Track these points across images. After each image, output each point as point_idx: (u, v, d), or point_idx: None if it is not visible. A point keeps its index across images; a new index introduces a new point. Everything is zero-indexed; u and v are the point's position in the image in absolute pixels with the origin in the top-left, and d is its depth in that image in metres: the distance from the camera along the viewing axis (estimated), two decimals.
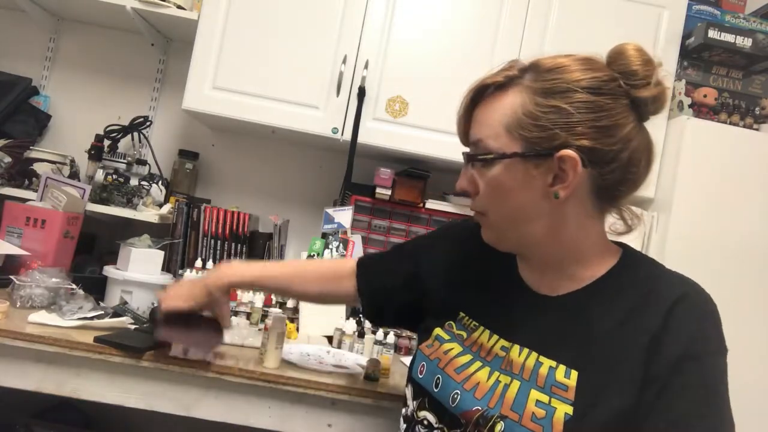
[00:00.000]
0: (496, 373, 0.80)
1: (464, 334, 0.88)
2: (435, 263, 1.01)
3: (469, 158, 0.83)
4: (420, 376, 0.90)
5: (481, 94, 0.83)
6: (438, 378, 0.85)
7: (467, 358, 0.85)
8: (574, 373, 0.74)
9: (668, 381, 0.71)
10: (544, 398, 0.74)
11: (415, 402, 0.90)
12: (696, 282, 0.79)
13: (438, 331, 0.91)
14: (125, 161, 2.04)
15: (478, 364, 0.83)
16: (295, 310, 1.81)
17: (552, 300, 0.83)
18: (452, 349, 0.87)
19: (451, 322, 0.91)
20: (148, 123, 2.13)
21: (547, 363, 0.77)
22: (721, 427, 0.70)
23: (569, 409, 0.72)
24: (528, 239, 0.82)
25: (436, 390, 0.86)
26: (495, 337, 0.85)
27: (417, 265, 1.04)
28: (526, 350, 0.80)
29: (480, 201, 0.83)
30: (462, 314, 0.90)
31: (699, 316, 0.74)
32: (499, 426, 0.74)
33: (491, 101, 0.81)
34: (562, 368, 0.76)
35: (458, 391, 0.82)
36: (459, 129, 0.87)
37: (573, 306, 0.81)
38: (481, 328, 0.87)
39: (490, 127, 0.79)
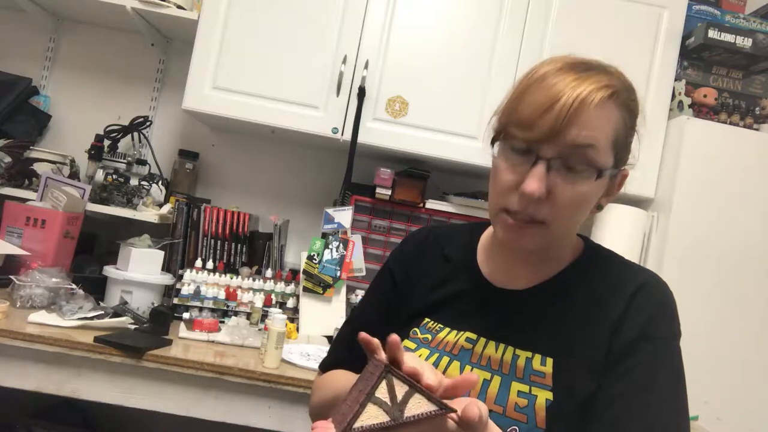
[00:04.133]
0: (468, 368, 0.81)
1: (429, 337, 0.87)
2: (402, 278, 0.96)
3: (561, 162, 0.73)
4: None
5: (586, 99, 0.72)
6: None
7: (434, 357, 0.84)
8: (550, 360, 0.77)
9: (621, 360, 0.75)
10: (525, 388, 0.77)
11: None
12: (654, 272, 0.83)
13: (405, 342, 0.89)
14: (125, 161, 2.04)
15: (446, 359, 0.82)
16: (295, 310, 1.82)
17: (519, 294, 0.84)
18: (420, 355, 0.86)
19: (416, 329, 0.89)
20: (148, 123, 2.13)
21: (524, 354, 0.79)
22: (664, 406, 0.73)
23: (549, 395, 0.75)
24: (556, 244, 0.83)
25: None
26: (457, 332, 0.85)
27: (392, 287, 0.97)
28: (502, 346, 0.81)
29: (551, 210, 0.74)
30: (427, 320, 0.89)
31: (656, 302, 0.79)
32: None
33: (602, 107, 0.72)
34: (537, 357, 0.78)
35: None
36: (547, 120, 0.71)
37: (542, 297, 0.83)
38: (447, 329, 0.86)
39: (605, 136, 0.74)
